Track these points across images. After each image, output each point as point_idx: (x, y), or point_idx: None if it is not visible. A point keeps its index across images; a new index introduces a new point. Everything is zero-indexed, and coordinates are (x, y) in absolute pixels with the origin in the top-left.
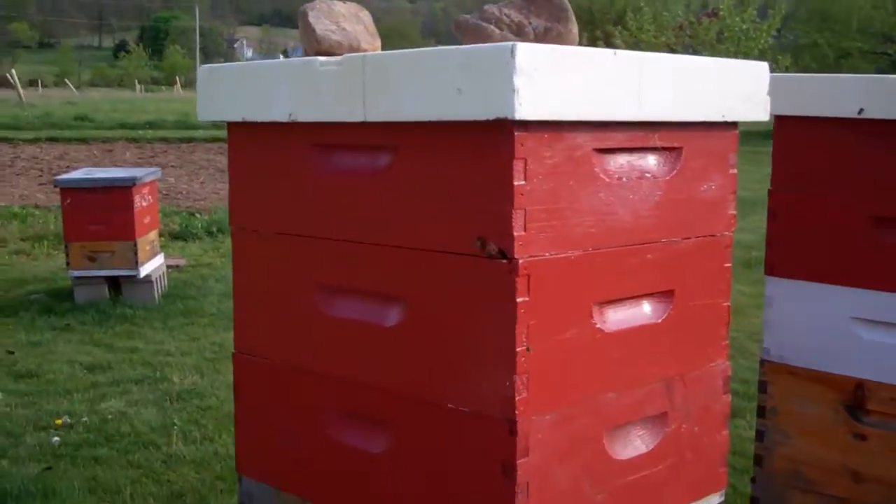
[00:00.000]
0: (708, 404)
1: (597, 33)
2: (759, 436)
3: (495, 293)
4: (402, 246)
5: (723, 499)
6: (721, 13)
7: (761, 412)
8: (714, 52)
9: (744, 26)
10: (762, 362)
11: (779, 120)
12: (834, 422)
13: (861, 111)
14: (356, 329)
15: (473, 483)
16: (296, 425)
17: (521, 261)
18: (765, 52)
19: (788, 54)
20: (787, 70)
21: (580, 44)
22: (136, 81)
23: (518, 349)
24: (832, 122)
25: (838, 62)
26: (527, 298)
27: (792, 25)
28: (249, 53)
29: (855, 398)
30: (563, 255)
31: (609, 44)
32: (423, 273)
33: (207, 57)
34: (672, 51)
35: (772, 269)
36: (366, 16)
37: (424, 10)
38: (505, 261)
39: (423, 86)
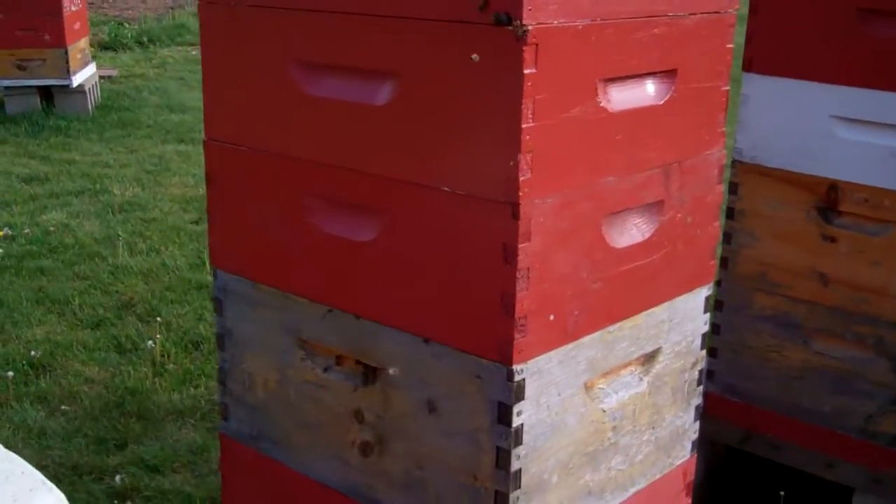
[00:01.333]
0: (702, 194)
1: None
2: (727, 238)
3: (500, 64)
4: (393, 14)
5: (711, 292)
6: None
7: (730, 213)
8: None
9: None
10: (734, 163)
11: None
12: (805, 224)
13: None
14: (342, 109)
15: (471, 269)
16: (275, 215)
17: (529, 28)
18: None
19: None
20: None
21: None
22: None
23: (524, 126)
24: None
25: None
26: (534, 70)
27: None
28: None
29: (828, 200)
30: (571, 24)
31: None
32: (417, 44)
33: None
34: None
35: (750, 64)
36: None
37: None
38: (511, 28)
39: None
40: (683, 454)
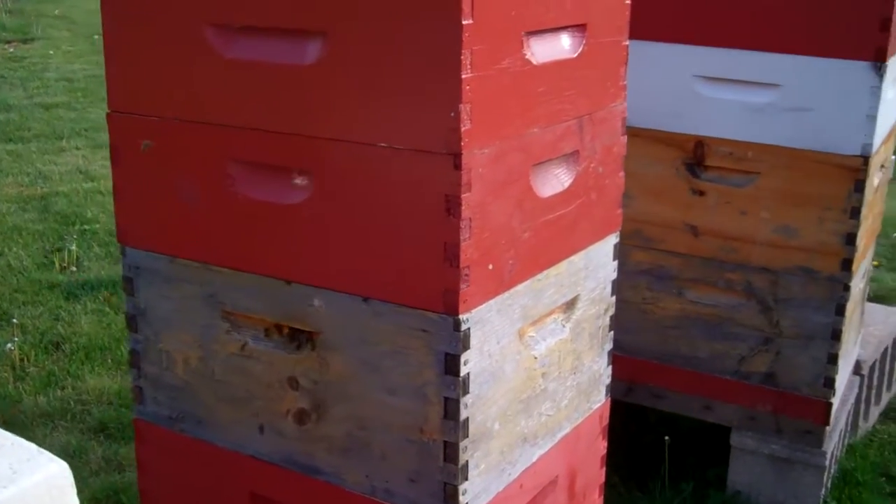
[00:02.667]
0: (610, 144)
1: None
2: None
3: (439, 14)
4: None
5: (618, 240)
6: None
7: None
8: None
9: None
10: None
11: None
12: (674, 179)
13: None
14: (266, 71)
15: (412, 223)
16: (193, 185)
17: None
18: None
19: None
20: None
21: None
22: None
23: (464, 76)
24: None
25: None
26: (471, 21)
27: None
28: None
29: (695, 155)
30: None
31: None
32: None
33: None
34: None
35: None
36: None
37: None
38: None
39: None
40: (599, 398)
